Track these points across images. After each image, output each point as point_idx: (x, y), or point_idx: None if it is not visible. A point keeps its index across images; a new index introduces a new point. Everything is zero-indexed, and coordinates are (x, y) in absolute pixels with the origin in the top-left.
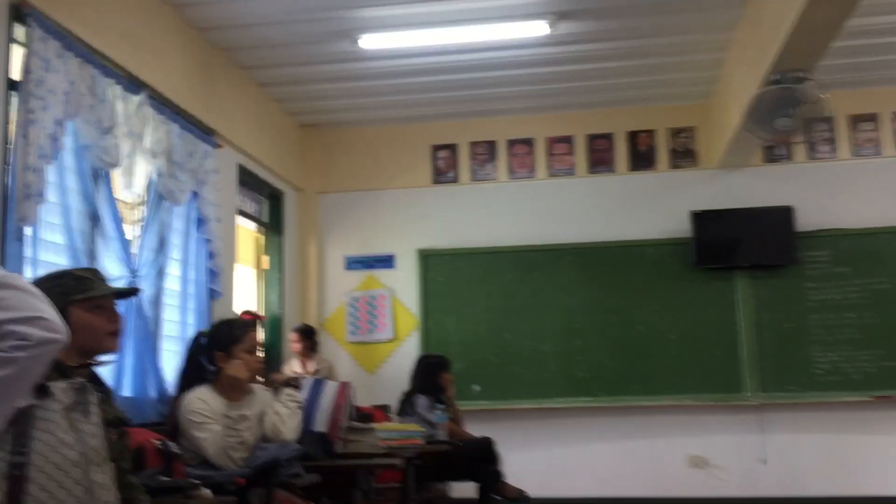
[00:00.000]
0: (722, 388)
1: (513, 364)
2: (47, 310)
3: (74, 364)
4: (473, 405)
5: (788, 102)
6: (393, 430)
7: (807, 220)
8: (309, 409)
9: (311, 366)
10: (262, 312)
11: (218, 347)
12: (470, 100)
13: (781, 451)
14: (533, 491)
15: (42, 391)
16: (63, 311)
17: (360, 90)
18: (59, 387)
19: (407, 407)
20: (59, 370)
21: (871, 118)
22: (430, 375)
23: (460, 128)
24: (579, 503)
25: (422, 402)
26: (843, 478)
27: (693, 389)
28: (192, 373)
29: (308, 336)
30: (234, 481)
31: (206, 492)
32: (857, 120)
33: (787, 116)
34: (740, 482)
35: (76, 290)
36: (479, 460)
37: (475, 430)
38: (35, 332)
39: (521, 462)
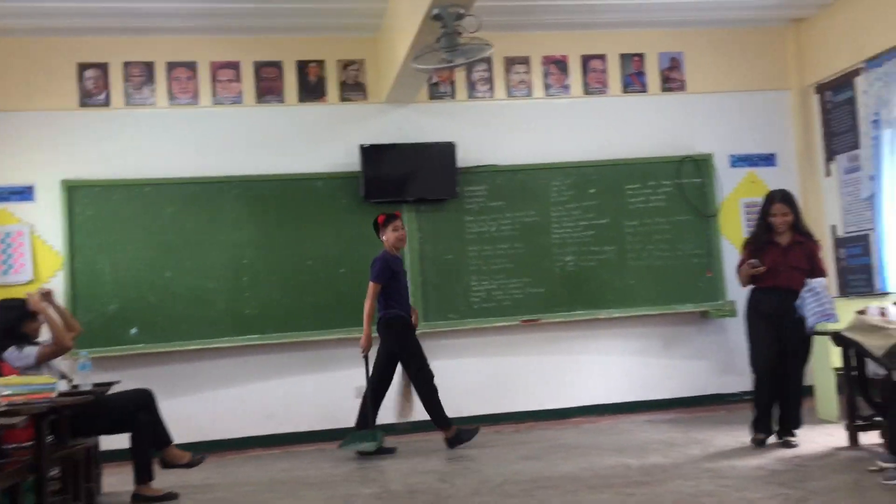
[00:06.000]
0: None
1: (175, 304)
2: None
3: None
4: (131, 349)
5: (450, 39)
6: (18, 385)
7: (468, 156)
8: None
9: None
10: None
11: None
12: (123, 14)
13: (444, 377)
14: (199, 434)
15: None
16: None
17: None
18: None
19: None
20: None
21: (524, 61)
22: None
23: (112, 45)
24: (251, 441)
25: (13, 354)
26: (496, 397)
27: (359, 322)
28: None
29: None
30: None
31: None
32: (511, 62)
33: (449, 52)
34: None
35: None
36: (134, 411)
37: (134, 376)
38: None
39: (187, 406)
